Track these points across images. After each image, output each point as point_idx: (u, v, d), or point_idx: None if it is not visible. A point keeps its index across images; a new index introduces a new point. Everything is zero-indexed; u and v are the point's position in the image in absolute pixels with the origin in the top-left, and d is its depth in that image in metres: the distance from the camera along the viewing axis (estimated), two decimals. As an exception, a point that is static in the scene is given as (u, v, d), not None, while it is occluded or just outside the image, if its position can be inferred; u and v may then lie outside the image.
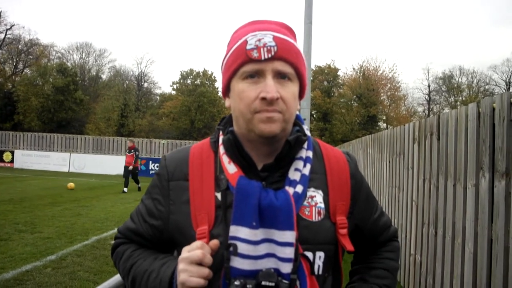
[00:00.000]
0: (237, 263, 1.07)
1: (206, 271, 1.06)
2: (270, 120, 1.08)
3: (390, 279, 1.31)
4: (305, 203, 1.15)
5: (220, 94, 43.75)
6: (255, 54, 1.08)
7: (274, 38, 1.10)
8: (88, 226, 8.89)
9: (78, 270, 5.94)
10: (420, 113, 48.08)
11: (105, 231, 8.53)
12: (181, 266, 1.07)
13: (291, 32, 1.18)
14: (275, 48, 1.08)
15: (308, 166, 1.17)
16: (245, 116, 1.11)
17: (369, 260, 1.36)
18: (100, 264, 6.27)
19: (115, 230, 9.03)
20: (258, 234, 1.07)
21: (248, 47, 1.09)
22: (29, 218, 9.32)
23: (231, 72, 1.13)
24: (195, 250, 1.06)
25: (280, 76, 1.10)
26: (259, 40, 1.09)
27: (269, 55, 1.08)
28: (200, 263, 1.06)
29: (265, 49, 1.08)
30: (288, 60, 1.10)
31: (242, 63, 1.10)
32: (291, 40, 1.14)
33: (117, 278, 2.05)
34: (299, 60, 1.14)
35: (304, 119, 1.28)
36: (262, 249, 1.08)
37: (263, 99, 1.07)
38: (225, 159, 1.16)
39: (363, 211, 1.28)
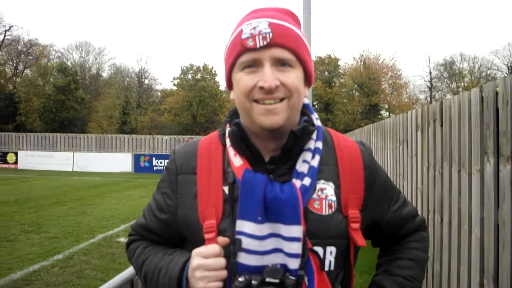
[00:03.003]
0: (243, 258, 1.05)
1: (224, 273, 1.05)
2: (271, 112, 1.04)
3: (416, 270, 1.24)
4: (314, 196, 1.10)
5: (221, 88, 43.83)
6: (250, 43, 1.04)
7: (270, 24, 1.05)
8: (94, 225, 8.92)
9: (85, 268, 5.97)
10: (422, 101, 47.94)
11: (111, 229, 8.55)
12: (198, 274, 1.05)
13: (291, 16, 1.13)
14: (271, 34, 1.04)
15: (317, 157, 1.12)
16: (244, 106, 1.08)
17: (394, 251, 1.29)
18: (107, 262, 6.29)
19: (121, 228, 9.10)
20: (264, 229, 1.05)
21: (243, 36, 1.05)
22: (34, 219, 9.36)
23: (230, 64, 1.10)
24: (216, 259, 1.05)
25: (279, 63, 1.05)
26: (254, 28, 1.05)
27: (265, 42, 1.03)
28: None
29: (260, 36, 1.03)
30: (286, 45, 1.05)
31: (238, 53, 1.07)
32: (290, 25, 1.08)
33: (123, 275, 2.05)
34: (299, 45, 1.08)
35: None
36: (269, 244, 1.05)
37: (261, 88, 1.03)
38: (231, 151, 1.13)
39: (379, 203, 1.22)
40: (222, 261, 1.05)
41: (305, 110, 1.18)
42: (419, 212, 4.62)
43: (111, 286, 1.95)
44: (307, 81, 1.15)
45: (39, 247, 7.04)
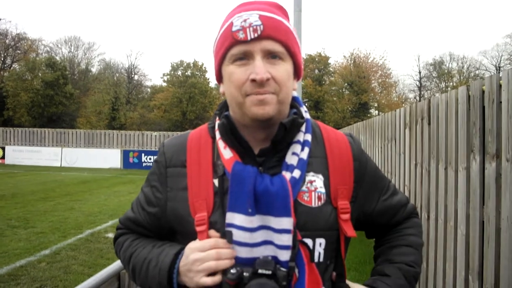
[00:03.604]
0: (234, 251, 1.05)
1: (222, 264, 1.05)
2: (262, 102, 1.04)
3: (416, 256, 1.26)
4: (304, 188, 1.11)
5: (211, 85, 43.68)
6: (241, 35, 1.04)
7: (260, 17, 1.06)
8: (82, 220, 8.86)
9: (72, 264, 5.94)
10: (411, 100, 48.25)
11: (99, 224, 8.51)
12: (194, 268, 1.05)
13: (281, 10, 1.14)
14: (261, 27, 1.04)
15: (306, 149, 1.12)
16: (237, 99, 1.08)
17: (390, 240, 1.30)
18: (95, 258, 6.26)
19: (109, 224, 9.04)
20: (254, 221, 1.05)
21: (233, 28, 1.06)
22: (21, 214, 9.28)
23: (220, 57, 1.10)
24: (211, 251, 1.05)
25: (270, 55, 1.06)
26: (245, 20, 1.05)
27: (255, 35, 1.04)
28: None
29: (251, 28, 1.04)
30: (277, 38, 1.06)
31: (229, 46, 1.07)
32: (280, 18, 1.09)
33: (109, 269, 2.05)
34: (289, 37, 1.09)
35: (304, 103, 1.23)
36: (259, 236, 1.05)
37: (253, 81, 1.03)
38: (221, 144, 1.13)
39: (369, 194, 1.23)
40: (217, 252, 1.05)
41: (294, 103, 1.18)
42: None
43: (97, 280, 1.95)
44: (296, 74, 1.15)
45: (26, 242, 6.98)
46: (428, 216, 3.90)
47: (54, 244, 6.91)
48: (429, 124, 3.92)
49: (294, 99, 1.19)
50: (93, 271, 5.52)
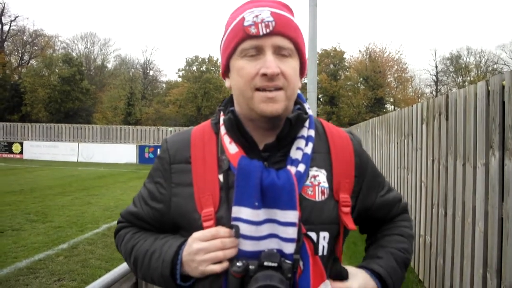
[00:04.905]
0: (240, 244, 1.06)
1: (227, 252, 1.06)
2: (271, 100, 1.07)
3: (407, 244, 1.30)
4: (307, 182, 1.13)
5: (226, 80, 43.64)
6: (253, 30, 1.06)
7: (272, 13, 1.08)
8: (99, 215, 8.97)
9: (89, 258, 6.01)
10: (427, 94, 47.66)
11: (115, 219, 8.58)
12: (198, 258, 1.06)
13: (288, 9, 1.16)
14: (273, 23, 1.06)
15: (310, 145, 1.15)
16: (245, 93, 1.09)
17: (382, 230, 1.34)
18: (112, 252, 6.32)
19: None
20: (260, 214, 1.06)
21: (245, 23, 1.07)
22: (40, 208, 9.41)
23: (230, 51, 1.12)
24: (215, 240, 1.06)
25: (279, 51, 1.08)
26: (257, 16, 1.07)
27: (267, 30, 1.06)
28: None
29: (263, 24, 1.06)
30: (287, 35, 1.08)
31: (240, 40, 1.08)
32: (289, 16, 1.12)
33: (126, 265, 2.05)
34: (298, 35, 1.12)
35: (306, 99, 1.24)
36: (265, 229, 1.06)
37: (264, 75, 1.05)
38: (226, 139, 1.14)
39: (369, 189, 1.26)
40: (222, 242, 1.05)
41: (298, 100, 1.20)
42: (423, 206, 4.63)
43: (116, 275, 1.96)
44: (301, 71, 1.17)
45: (44, 236, 7.09)
46: (446, 213, 3.86)
47: (72, 238, 7.00)
48: (446, 119, 3.87)
49: (298, 96, 1.21)
50: (110, 265, 5.59)
